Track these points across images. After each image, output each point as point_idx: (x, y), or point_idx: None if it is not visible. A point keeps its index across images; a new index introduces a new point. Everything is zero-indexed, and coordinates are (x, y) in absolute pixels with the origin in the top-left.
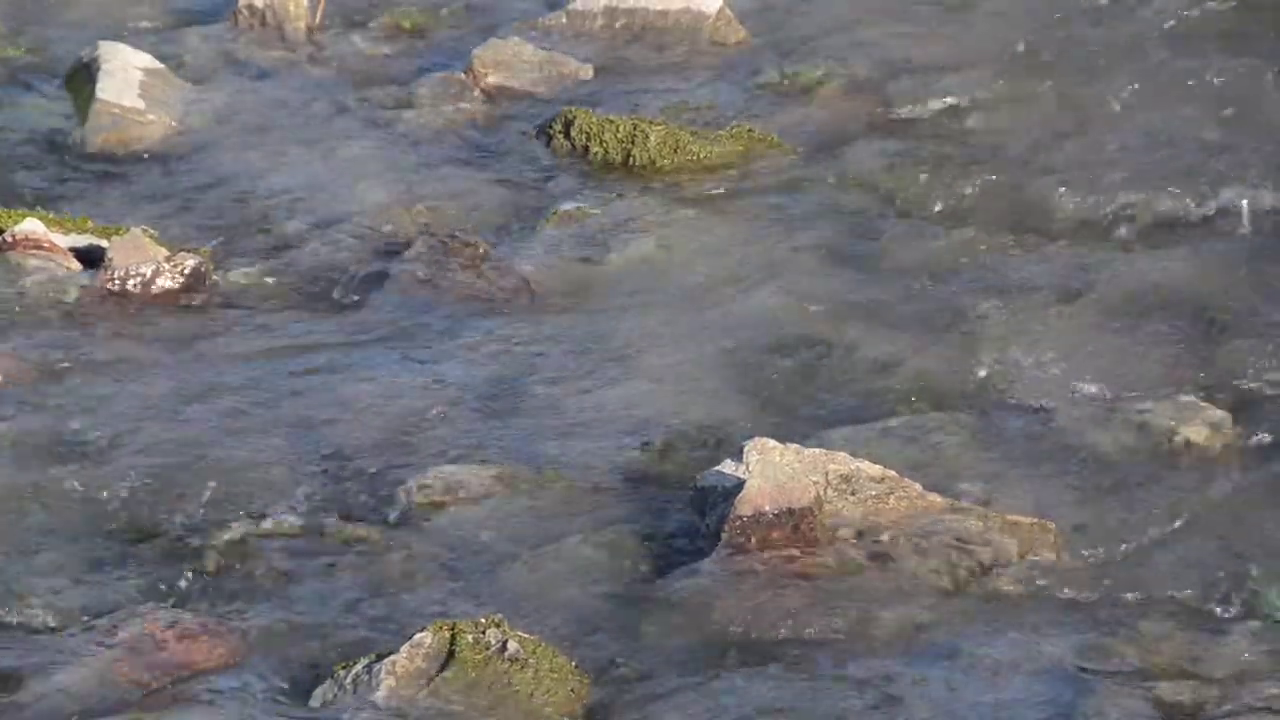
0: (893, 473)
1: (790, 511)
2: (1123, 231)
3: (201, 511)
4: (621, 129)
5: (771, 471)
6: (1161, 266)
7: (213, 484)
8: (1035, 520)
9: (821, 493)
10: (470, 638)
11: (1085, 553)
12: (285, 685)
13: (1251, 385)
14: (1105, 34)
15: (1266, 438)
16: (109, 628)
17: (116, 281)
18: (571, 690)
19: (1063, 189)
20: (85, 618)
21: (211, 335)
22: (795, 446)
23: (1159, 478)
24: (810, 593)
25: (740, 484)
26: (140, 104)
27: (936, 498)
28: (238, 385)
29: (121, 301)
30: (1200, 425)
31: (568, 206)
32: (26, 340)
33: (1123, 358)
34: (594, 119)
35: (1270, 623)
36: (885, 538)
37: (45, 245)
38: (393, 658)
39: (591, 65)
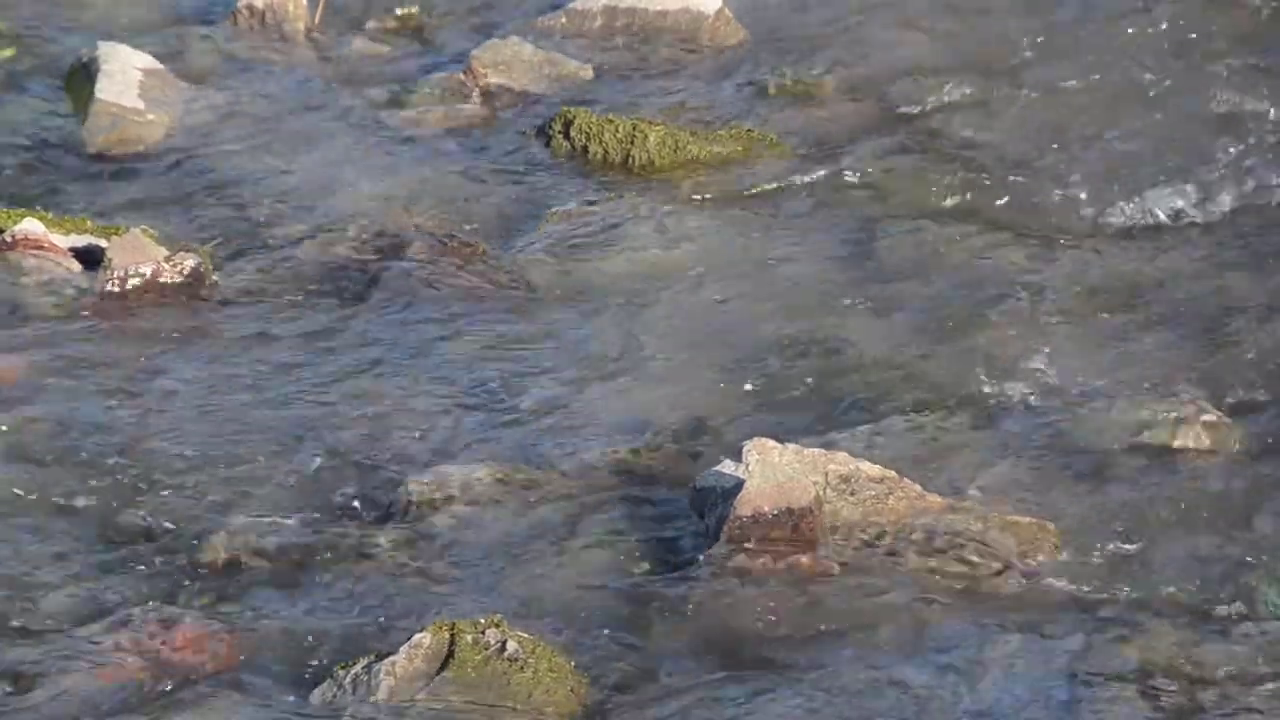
0: (892, 473)
1: (790, 512)
2: (1122, 231)
3: (201, 511)
4: (621, 129)
5: (771, 472)
6: (1161, 267)
7: (212, 484)
8: (1035, 520)
9: (821, 493)
10: (469, 638)
11: (1085, 553)
12: (285, 685)
13: (1251, 385)
14: (1106, 34)
15: (1266, 438)
16: (109, 628)
17: (116, 281)
18: (570, 690)
19: (1062, 189)
20: (85, 618)
21: (211, 335)
22: (795, 446)
23: (1159, 478)
24: (810, 593)
25: (740, 484)
26: (140, 104)
27: (936, 498)
28: (237, 385)
29: (121, 301)
30: (1200, 425)
31: (567, 206)
32: (26, 340)
33: (1123, 358)
34: (593, 119)
35: (1270, 623)
36: (885, 538)
37: (45, 245)
38: (392, 658)
39: (591, 65)
